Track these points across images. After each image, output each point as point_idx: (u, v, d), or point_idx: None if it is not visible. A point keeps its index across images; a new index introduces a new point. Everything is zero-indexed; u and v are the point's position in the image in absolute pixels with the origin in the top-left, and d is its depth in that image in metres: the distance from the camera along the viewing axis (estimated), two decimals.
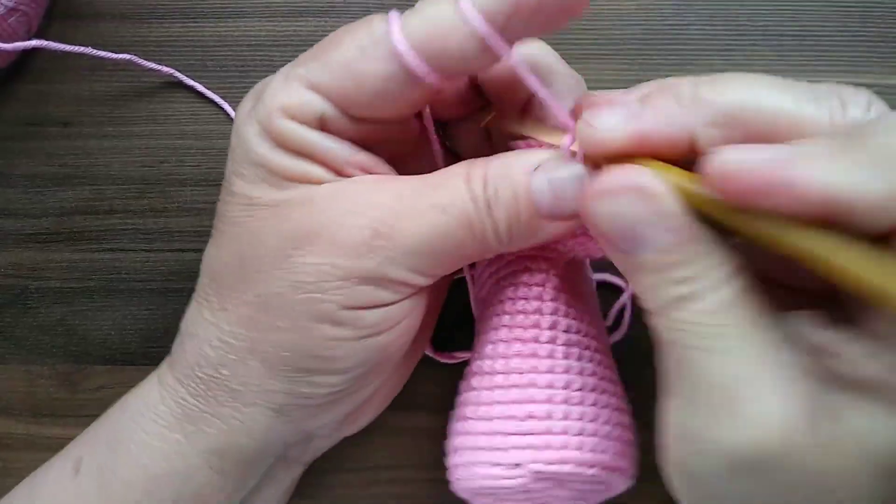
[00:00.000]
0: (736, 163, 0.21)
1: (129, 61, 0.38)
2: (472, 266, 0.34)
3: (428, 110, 0.30)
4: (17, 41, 0.37)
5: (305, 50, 0.28)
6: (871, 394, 0.21)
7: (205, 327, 0.28)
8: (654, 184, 0.23)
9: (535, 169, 0.26)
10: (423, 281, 0.27)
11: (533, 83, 0.25)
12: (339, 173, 0.27)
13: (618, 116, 0.23)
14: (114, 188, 0.39)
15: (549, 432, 0.28)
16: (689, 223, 0.23)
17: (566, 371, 0.29)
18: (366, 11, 0.28)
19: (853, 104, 0.22)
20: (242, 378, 0.27)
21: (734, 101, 0.22)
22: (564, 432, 0.28)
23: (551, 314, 0.29)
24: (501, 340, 0.30)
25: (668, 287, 0.23)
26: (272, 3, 0.40)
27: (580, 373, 0.29)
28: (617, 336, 0.37)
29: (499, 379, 0.29)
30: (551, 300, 0.30)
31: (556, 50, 0.40)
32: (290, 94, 0.26)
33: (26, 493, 0.30)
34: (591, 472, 0.28)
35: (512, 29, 0.24)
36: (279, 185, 0.27)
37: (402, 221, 0.25)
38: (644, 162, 0.24)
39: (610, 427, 0.29)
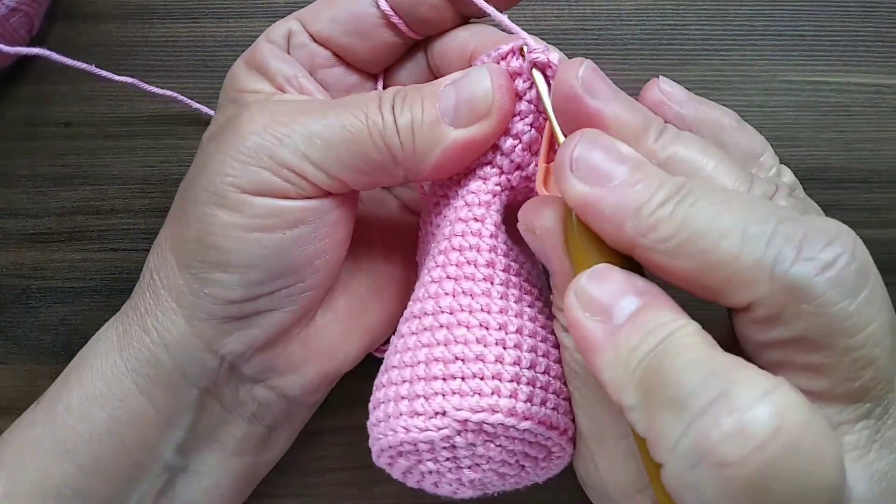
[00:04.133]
0: (575, 317, 0.23)
1: (131, 84, 0.38)
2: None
3: (382, 85, 0.33)
4: (18, 41, 0.37)
5: None
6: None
7: (156, 242, 0.30)
8: (547, 235, 0.25)
9: (447, 85, 0.28)
10: (317, 175, 0.27)
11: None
12: (281, 90, 0.30)
13: (598, 172, 0.23)
14: (115, 188, 0.39)
15: (479, 376, 0.25)
16: (565, 276, 0.25)
17: (502, 312, 0.27)
18: None
19: (806, 258, 0.21)
20: (165, 280, 0.29)
21: (686, 232, 0.21)
22: (497, 376, 0.25)
23: (489, 251, 0.27)
24: (433, 281, 0.27)
25: (555, 319, 0.27)
26: (273, 4, 0.40)
27: (518, 315, 0.27)
28: None
29: (428, 321, 0.27)
30: (490, 237, 0.28)
31: None
32: (274, 25, 0.31)
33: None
34: (524, 425, 0.26)
35: None
36: (236, 100, 0.30)
37: (304, 114, 0.28)
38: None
39: (549, 378, 0.27)
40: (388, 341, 0.35)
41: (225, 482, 0.33)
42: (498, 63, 0.28)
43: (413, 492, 0.38)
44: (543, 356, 0.27)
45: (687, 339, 0.21)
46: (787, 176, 0.31)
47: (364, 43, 0.31)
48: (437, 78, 0.31)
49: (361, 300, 0.32)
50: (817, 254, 0.21)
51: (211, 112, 0.39)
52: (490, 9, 0.29)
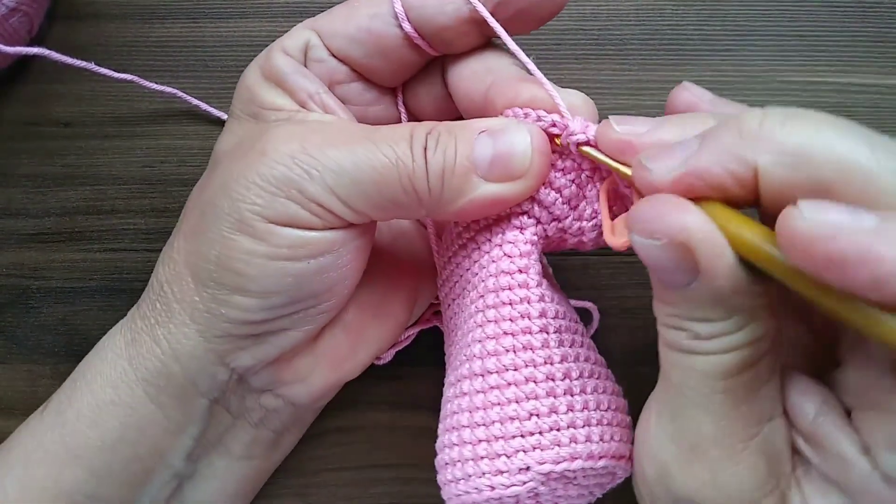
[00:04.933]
0: (815, 225, 0.19)
1: (131, 83, 0.38)
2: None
3: (401, 99, 0.32)
4: (18, 41, 0.37)
5: None
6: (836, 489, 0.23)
7: (166, 251, 0.30)
8: (696, 233, 0.22)
9: (482, 131, 0.27)
10: (343, 210, 0.27)
11: (512, 45, 0.28)
12: (303, 106, 0.30)
13: (676, 160, 0.23)
14: (115, 188, 0.39)
15: (555, 428, 0.27)
16: (727, 280, 0.22)
17: (563, 360, 0.27)
18: None
19: None
20: (178, 294, 0.28)
21: (805, 141, 0.20)
22: (571, 426, 0.27)
23: (539, 301, 0.28)
24: (489, 337, 0.28)
25: (681, 331, 0.24)
26: (273, 4, 0.40)
27: (576, 359, 0.28)
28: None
29: (492, 379, 0.27)
30: (537, 286, 0.28)
31: (555, 50, 0.40)
32: (289, 35, 0.30)
33: (5, 445, 0.31)
34: (601, 463, 0.27)
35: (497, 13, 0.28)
36: (256, 115, 0.30)
37: (333, 147, 0.27)
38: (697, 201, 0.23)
39: (611, 413, 0.28)
40: (389, 348, 0.35)
41: (232, 485, 0.33)
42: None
43: (412, 492, 0.38)
44: (603, 392, 0.28)
45: None
46: None
47: (385, 62, 0.30)
48: (452, 97, 0.31)
49: (370, 312, 0.32)
50: None
51: (211, 110, 0.39)
52: (526, 59, 0.28)
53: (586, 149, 0.27)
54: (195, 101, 0.39)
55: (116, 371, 0.29)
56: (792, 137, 0.21)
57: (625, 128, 0.25)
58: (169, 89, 0.38)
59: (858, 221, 0.19)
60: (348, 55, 0.30)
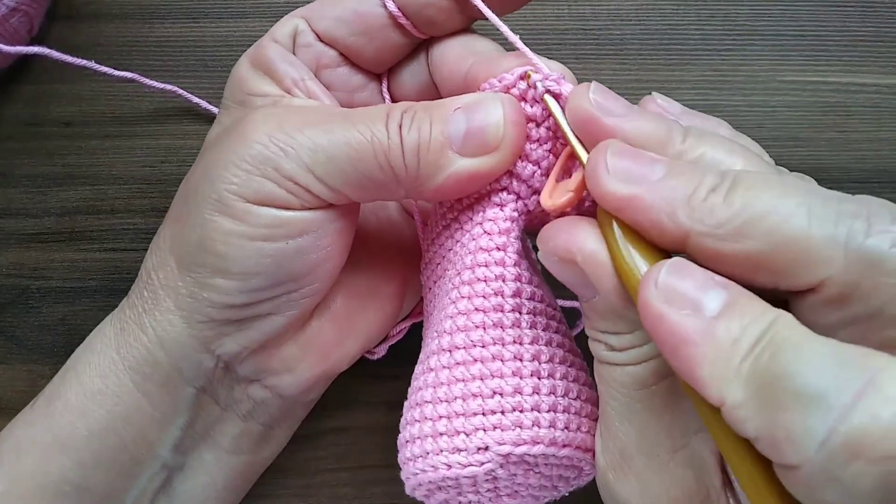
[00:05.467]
0: (657, 295, 0.21)
1: (131, 81, 0.38)
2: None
3: (386, 85, 0.33)
4: (18, 41, 0.37)
5: None
6: None
7: (154, 241, 0.30)
8: (577, 255, 0.23)
9: (458, 108, 0.27)
10: (320, 189, 0.27)
11: (492, 17, 0.28)
12: (288, 92, 0.30)
13: (636, 175, 0.23)
14: (115, 188, 0.39)
15: (518, 409, 0.26)
16: (617, 298, 0.23)
17: (533, 341, 0.27)
18: None
19: (879, 231, 0.20)
20: (164, 280, 0.29)
21: (738, 215, 0.21)
22: (535, 408, 0.26)
23: (515, 280, 0.27)
24: (460, 313, 0.27)
25: (599, 342, 0.25)
26: (273, 4, 0.40)
27: (548, 343, 0.27)
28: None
29: (459, 355, 0.26)
30: (514, 265, 0.27)
31: (554, 49, 0.40)
32: (279, 23, 0.31)
33: None
34: (564, 452, 0.26)
35: None
36: (244, 103, 0.30)
37: (311, 126, 0.27)
38: (607, 222, 0.23)
39: (580, 402, 0.27)
40: (382, 342, 0.35)
41: (221, 479, 0.33)
42: (507, 91, 0.27)
43: None
44: (574, 381, 0.27)
45: (792, 329, 0.19)
46: None
47: (370, 43, 0.31)
48: (435, 83, 0.31)
49: (358, 301, 0.32)
50: (888, 227, 0.20)
51: (211, 108, 0.39)
52: (504, 27, 0.28)
53: (549, 99, 0.26)
54: (195, 100, 0.39)
55: (105, 360, 0.29)
56: (728, 211, 0.21)
57: (599, 101, 0.25)
58: (169, 87, 0.38)
59: (692, 316, 0.20)
60: (335, 37, 0.31)
